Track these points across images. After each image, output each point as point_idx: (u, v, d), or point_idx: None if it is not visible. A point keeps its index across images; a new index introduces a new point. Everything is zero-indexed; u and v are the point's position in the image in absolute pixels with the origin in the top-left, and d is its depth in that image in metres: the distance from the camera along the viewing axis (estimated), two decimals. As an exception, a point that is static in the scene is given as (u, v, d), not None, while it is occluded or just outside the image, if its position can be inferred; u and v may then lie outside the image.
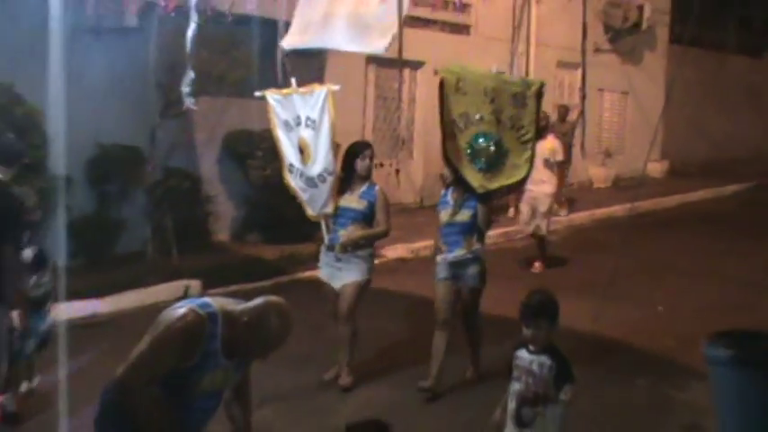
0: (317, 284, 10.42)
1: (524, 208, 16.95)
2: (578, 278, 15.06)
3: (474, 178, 9.44)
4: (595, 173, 28.06)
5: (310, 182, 9.99)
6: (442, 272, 9.86)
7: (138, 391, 5.07)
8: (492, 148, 9.37)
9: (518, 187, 10.11)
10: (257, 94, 10.54)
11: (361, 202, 9.89)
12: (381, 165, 21.40)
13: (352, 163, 9.90)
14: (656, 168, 30.00)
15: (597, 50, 26.38)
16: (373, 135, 21.39)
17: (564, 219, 21.42)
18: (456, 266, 9.77)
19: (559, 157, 16.76)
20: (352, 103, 19.38)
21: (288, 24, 12.08)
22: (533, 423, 6.32)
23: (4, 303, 8.14)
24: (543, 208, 16.56)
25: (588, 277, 14.77)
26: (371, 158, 10.01)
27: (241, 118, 17.56)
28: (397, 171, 22.43)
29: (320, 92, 9.70)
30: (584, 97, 21.08)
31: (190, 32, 11.82)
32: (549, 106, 22.46)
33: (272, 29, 15.34)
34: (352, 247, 9.87)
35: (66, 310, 10.53)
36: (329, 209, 9.99)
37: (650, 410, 9.61)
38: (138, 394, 5.07)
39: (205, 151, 17.70)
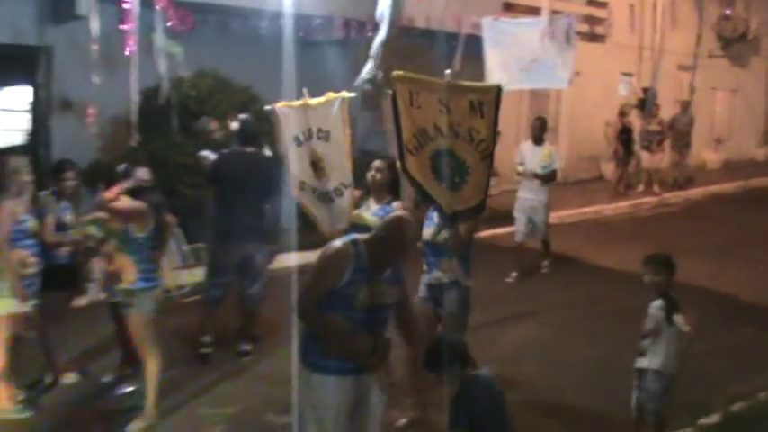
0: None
1: (520, 216, 12.96)
2: (695, 243, 14.81)
3: (441, 197, 6.89)
4: (708, 157, 27.60)
5: (324, 197, 7.78)
6: (422, 291, 7.58)
7: (309, 312, 5.33)
8: (453, 164, 6.73)
9: (478, 213, 6.74)
10: (267, 108, 8.16)
11: (372, 219, 7.41)
12: None
13: (367, 174, 7.67)
14: (761, 153, 29.61)
15: (711, 56, 26.42)
16: (526, 125, 21.49)
17: (682, 194, 21.21)
18: (434, 289, 7.41)
19: (556, 165, 12.98)
20: (508, 100, 19.42)
21: (466, 38, 12.39)
22: (647, 351, 6.61)
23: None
24: (540, 218, 12.90)
25: (704, 243, 14.56)
26: (382, 172, 7.53)
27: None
28: (546, 153, 22.34)
29: (334, 101, 7.61)
30: (692, 91, 21.09)
31: (378, 40, 12.11)
32: (669, 102, 22.20)
33: (453, 41, 15.59)
34: None
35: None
36: (343, 224, 7.66)
37: (755, 351, 9.48)
38: (309, 315, 5.34)
39: (393, 137, 17.89)
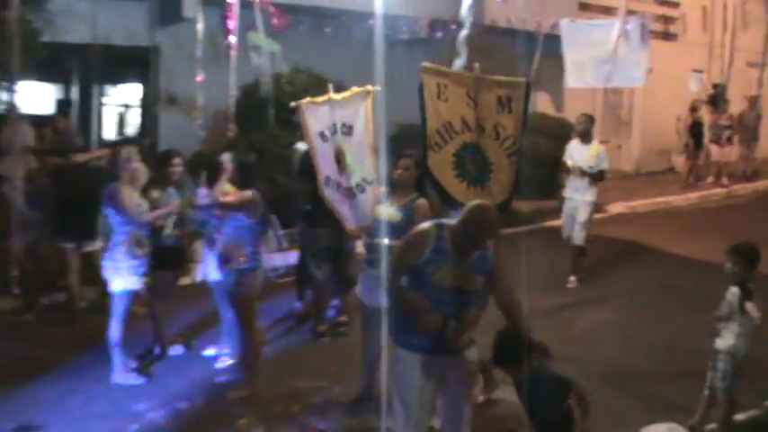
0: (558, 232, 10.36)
1: (566, 217, 11.68)
2: (763, 234, 14.44)
3: (459, 194, 6.47)
4: (777, 149, 26.76)
5: (348, 193, 7.36)
6: None
7: (392, 284, 5.39)
8: (478, 160, 6.43)
9: (502, 212, 6.17)
10: (292, 104, 7.87)
11: (394, 215, 6.66)
12: (607, 141, 21.43)
13: (393, 172, 6.85)
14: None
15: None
16: (602, 118, 21.37)
17: (750, 186, 20.82)
18: None
19: (604, 164, 11.51)
20: (582, 96, 19.21)
21: (546, 37, 12.36)
22: (720, 333, 6.56)
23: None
24: (582, 217, 11.36)
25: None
26: (408, 169, 6.67)
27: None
28: (619, 146, 22.10)
29: (358, 95, 7.19)
30: (760, 87, 20.72)
31: (460, 38, 12.12)
32: (738, 98, 21.77)
33: (533, 39, 15.54)
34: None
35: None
36: (367, 221, 7.14)
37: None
38: (393, 287, 5.40)
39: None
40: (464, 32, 12.10)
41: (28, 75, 10.39)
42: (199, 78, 12.82)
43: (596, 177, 11.25)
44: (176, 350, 8.48)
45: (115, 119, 15.53)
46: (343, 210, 7.47)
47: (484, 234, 5.29)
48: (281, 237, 8.57)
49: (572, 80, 12.96)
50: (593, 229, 11.55)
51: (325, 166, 7.48)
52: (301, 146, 9.31)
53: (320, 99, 7.47)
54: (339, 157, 7.30)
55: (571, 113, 18.75)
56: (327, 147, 7.38)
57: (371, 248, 6.86)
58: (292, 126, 12.04)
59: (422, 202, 6.63)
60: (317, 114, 7.43)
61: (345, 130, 7.23)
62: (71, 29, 11.97)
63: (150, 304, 8.25)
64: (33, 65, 10.28)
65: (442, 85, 6.30)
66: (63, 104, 14.92)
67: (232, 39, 13.03)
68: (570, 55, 12.88)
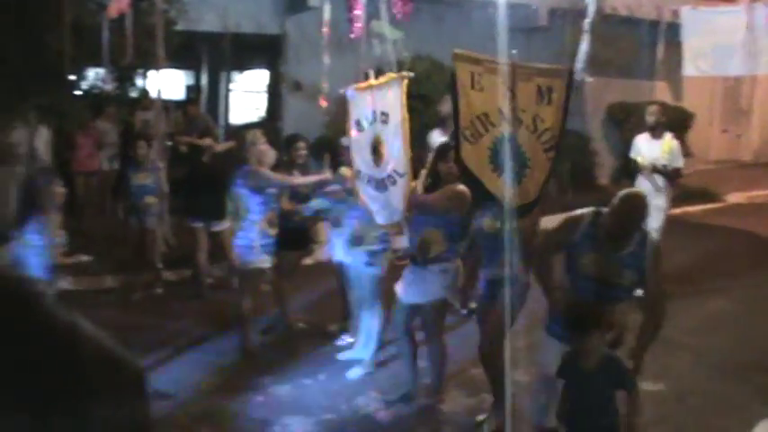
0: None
1: None
2: None
3: (498, 189, 5.82)
4: None
5: (380, 186, 6.77)
6: (481, 286, 6.51)
7: (537, 259, 5.56)
8: (514, 154, 5.71)
9: (530, 210, 5.80)
10: (341, 91, 7.38)
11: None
12: (726, 131, 21.51)
13: (435, 165, 6.51)
14: None
15: None
16: (721, 107, 21.10)
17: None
18: (493, 285, 6.18)
19: (679, 162, 10.00)
20: (700, 84, 18.83)
21: (668, 25, 12.20)
22: None
23: None
24: (653, 224, 8.74)
25: None
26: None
27: (620, 93, 17.90)
28: (738, 135, 21.64)
29: (394, 81, 6.55)
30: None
31: (585, 27, 12.01)
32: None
33: (654, 28, 15.30)
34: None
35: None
36: (398, 217, 6.69)
37: None
38: (536, 261, 5.57)
39: (593, 117, 17.92)
40: (587, 20, 12.01)
41: (163, 62, 10.79)
42: (323, 65, 13.05)
43: (671, 176, 9.93)
44: (299, 326, 8.67)
45: (242, 104, 15.92)
46: (374, 205, 6.92)
47: (632, 223, 5.12)
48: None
49: (690, 68, 12.74)
50: (710, 217, 11.29)
51: (358, 158, 6.98)
52: (436, 133, 9.45)
53: (363, 85, 6.95)
54: (376, 147, 6.76)
55: (690, 103, 18.46)
56: (362, 137, 6.89)
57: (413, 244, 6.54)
58: (413, 112, 12.20)
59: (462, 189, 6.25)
60: (357, 101, 6.98)
61: (383, 117, 6.67)
62: (203, 18, 12.35)
63: (275, 282, 8.50)
64: (167, 53, 10.66)
65: (476, 74, 5.72)
66: (192, 90, 15.38)
67: (356, 26, 13.22)
68: (689, 43, 12.66)
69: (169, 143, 10.32)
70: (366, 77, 6.94)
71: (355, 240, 7.53)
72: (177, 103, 13.49)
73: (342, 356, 7.90)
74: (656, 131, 10.09)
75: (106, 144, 12.04)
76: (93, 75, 9.77)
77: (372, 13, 13.19)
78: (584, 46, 12.03)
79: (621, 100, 18.09)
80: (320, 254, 9.32)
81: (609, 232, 5.10)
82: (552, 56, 15.85)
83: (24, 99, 9.36)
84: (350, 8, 13.21)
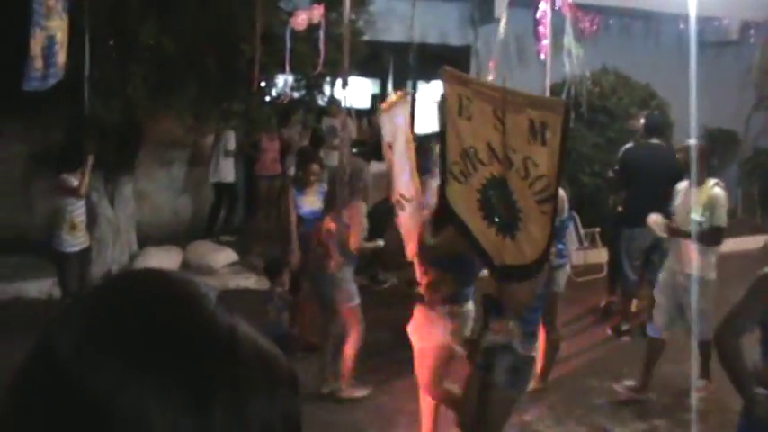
0: None
1: (661, 299, 7.38)
2: None
3: (486, 241, 4.80)
4: None
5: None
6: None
7: (724, 341, 3.92)
8: (506, 202, 4.67)
9: (533, 273, 4.65)
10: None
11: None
12: None
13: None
14: None
15: None
16: None
17: None
18: (488, 353, 5.10)
19: (719, 219, 7.01)
20: None
21: None
22: None
23: None
24: (703, 303, 6.90)
25: None
26: None
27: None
28: None
29: (399, 103, 5.91)
30: None
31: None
32: None
33: None
34: None
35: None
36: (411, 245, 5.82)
37: None
38: (723, 345, 3.92)
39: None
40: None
41: (350, 71, 10.90)
42: (507, 77, 12.90)
43: (708, 239, 7.08)
44: None
45: (427, 114, 15.97)
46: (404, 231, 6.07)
47: None
48: (582, 235, 8.49)
49: None
50: None
51: (397, 183, 6.14)
52: (628, 146, 9.26)
53: (392, 101, 6.30)
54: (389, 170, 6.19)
55: None
56: (395, 160, 6.15)
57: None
58: (598, 126, 11.94)
59: None
60: (386, 123, 6.24)
61: (390, 142, 6.10)
62: (390, 28, 12.43)
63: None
64: (355, 62, 10.76)
65: (465, 98, 4.69)
66: (378, 99, 15.52)
67: (543, 44, 13.03)
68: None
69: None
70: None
71: None
72: (363, 112, 13.60)
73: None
74: (680, 176, 7.62)
75: (292, 149, 12.27)
76: (282, 82, 9.96)
77: (557, 27, 12.98)
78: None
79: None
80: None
81: None
82: (742, 71, 15.21)
83: (217, 104, 9.63)
84: (536, 23, 13.03)
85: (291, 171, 12.53)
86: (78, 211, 7.92)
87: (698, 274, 6.97)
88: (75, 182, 7.81)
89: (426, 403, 5.81)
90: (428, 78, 15.81)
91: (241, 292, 9.65)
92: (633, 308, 9.17)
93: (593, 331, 9.11)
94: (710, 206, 6.96)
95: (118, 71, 8.64)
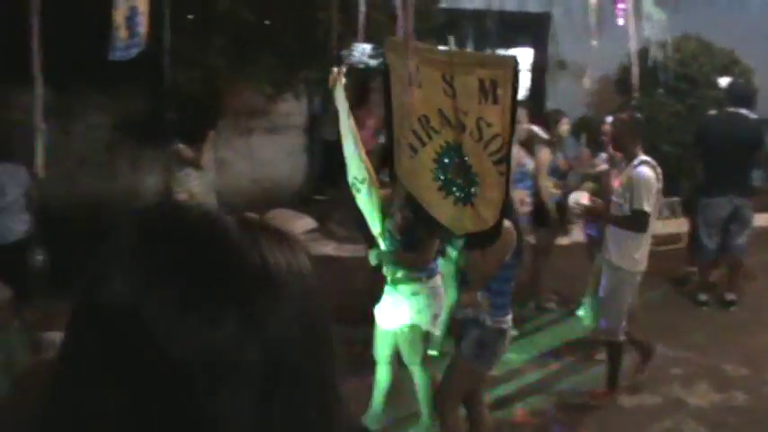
0: None
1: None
2: None
3: (444, 215, 4.65)
4: None
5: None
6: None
7: None
8: (462, 168, 4.56)
9: (492, 239, 4.55)
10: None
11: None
12: None
13: None
14: None
15: None
16: None
17: None
18: (458, 326, 5.25)
19: (640, 203, 6.25)
20: None
21: None
22: None
23: None
24: (606, 292, 6.56)
25: None
26: None
27: None
28: None
29: (337, 82, 5.33)
30: None
31: None
32: None
33: None
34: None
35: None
36: (376, 229, 5.57)
37: None
38: None
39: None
40: None
41: (425, 40, 10.86)
42: (588, 44, 12.75)
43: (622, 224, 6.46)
44: (550, 305, 8.69)
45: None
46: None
47: None
48: (662, 204, 8.38)
49: None
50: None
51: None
52: (707, 114, 9.15)
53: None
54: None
55: None
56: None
57: None
58: (679, 94, 11.73)
59: None
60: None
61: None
62: (468, -5, 12.39)
63: (530, 260, 8.37)
64: (431, 30, 10.71)
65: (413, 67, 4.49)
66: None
67: (620, 7, 12.80)
68: None
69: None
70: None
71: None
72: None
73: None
74: None
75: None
76: (360, 50, 10.00)
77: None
78: None
79: None
80: (576, 234, 9.11)
81: None
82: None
83: (295, 73, 9.71)
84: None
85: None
86: (196, 181, 8.13)
87: (613, 262, 6.47)
88: (191, 153, 8.03)
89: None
90: (507, 46, 15.70)
91: (322, 259, 9.75)
92: (711, 278, 9.06)
93: (672, 301, 8.99)
94: (630, 187, 6.29)
95: (197, 41, 8.76)
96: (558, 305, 8.71)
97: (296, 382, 0.94)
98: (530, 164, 7.96)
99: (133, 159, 10.72)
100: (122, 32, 6.28)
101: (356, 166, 5.37)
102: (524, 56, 15.52)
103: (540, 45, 14.64)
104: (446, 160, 4.56)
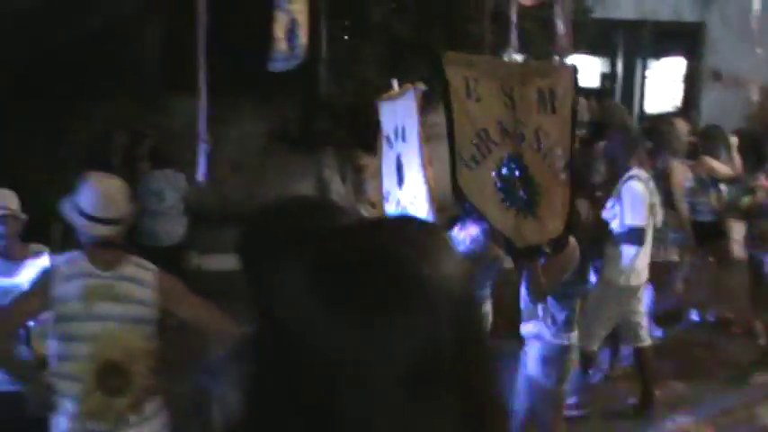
0: None
1: None
2: None
3: (505, 225, 4.45)
4: None
5: (405, 210, 5.29)
6: None
7: None
8: (524, 179, 4.43)
9: (558, 250, 4.47)
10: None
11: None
12: None
13: None
14: None
15: None
16: None
17: None
18: (521, 346, 5.10)
19: (629, 218, 6.27)
20: None
21: None
22: None
23: None
24: (590, 306, 6.24)
25: None
26: None
27: None
28: None
29: (408, 92, 5.05)
30: None
31: None
32: None
33: None
34: None
35: None
36: None
37: None
38: None
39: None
40: None
41: (578, 50, 10.79)
42: (745, 54, 12.40)
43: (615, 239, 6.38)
44: (693, 315, 8.64)
45: (658, 92, 15.59)
46: None
47: None
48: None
49: None
50: None
51: (387, 179, 5.56)
52: None
53: (386, 95, 5.54)
54: (399, 167, 5.38)
55: None
56: (391, 154, 5.44)
57: None
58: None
59: None
60: (387, 113, 5.47)
61: (401, 133, 5.28)
62: (620, 5, 12.22)
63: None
64: (583, 40, 10.63)
65: (471, 80, 4.34)
66: (608, 78, 15.26)
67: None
68: None
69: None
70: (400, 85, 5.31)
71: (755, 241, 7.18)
72: (592, 91, 13.41)
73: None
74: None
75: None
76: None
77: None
78: None
79: None
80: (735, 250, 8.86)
81: None
82: None
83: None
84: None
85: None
86: (374, 191, 8.32)
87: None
88: (370, 160, 8.22)
89: None
90: (659, 56, 15.44)
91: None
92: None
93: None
94: (620, 201, 6.21)
95: (350, 52, 8.94)
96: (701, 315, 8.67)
97: (446, 384, 0.99)
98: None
99: (284, 166, 10.98)
100: (282, 44, 6.49)
101: (416, 186, 5.07)
102: (677, 66, 15.24)
103: (693, 55, 14.30)
104: (506, 172, 4.46)
